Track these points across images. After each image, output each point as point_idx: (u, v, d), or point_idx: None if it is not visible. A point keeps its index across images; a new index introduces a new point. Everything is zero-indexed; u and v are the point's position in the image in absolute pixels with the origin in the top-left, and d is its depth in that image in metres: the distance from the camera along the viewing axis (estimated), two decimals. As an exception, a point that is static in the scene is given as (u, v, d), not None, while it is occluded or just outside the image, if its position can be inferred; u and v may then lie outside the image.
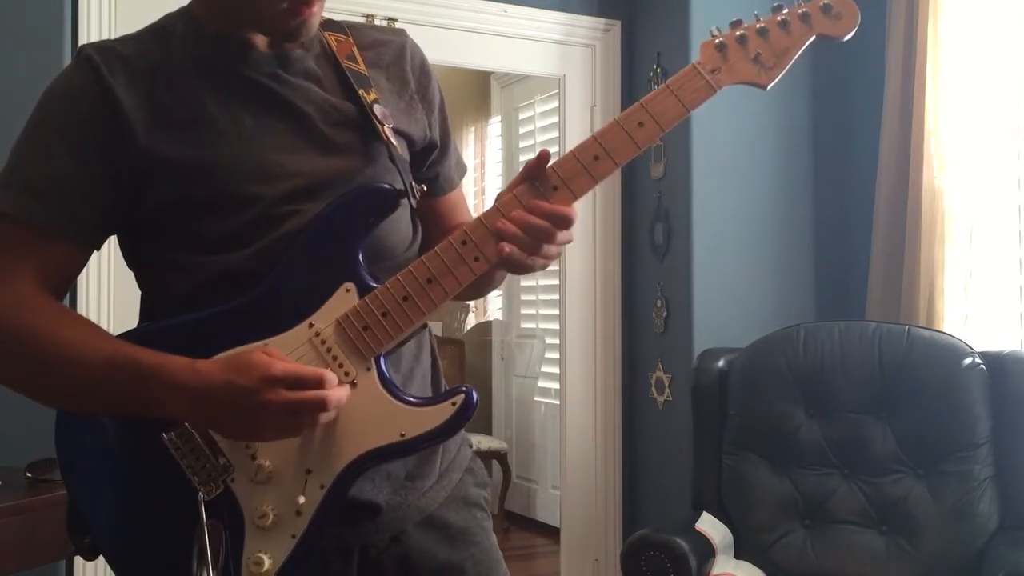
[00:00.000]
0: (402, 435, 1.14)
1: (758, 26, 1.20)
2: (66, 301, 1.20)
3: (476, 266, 1.15)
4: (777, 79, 1.20)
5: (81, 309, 2.70)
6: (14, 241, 1.16)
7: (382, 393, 1.15)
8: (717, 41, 1.19)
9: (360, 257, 1.17)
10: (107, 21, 2.78)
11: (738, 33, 1.19)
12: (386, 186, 1.20)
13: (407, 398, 1.16)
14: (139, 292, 1.27)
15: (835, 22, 1.21)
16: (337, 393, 1.09)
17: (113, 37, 1.26)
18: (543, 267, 1.18)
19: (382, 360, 1.16)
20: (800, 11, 1.20)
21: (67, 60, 2.70)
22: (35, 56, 2.66)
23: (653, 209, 3.45)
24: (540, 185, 1.16)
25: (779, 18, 1.20)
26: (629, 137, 1.16)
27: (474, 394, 1.15)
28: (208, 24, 1.20)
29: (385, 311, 1.14)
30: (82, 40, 2.72)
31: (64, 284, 1.20)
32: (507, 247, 1.13)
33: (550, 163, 1.17)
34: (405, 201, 1.24)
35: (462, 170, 1.44)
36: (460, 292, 1.18)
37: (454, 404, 1.14)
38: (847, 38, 1.21)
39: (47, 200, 1.14)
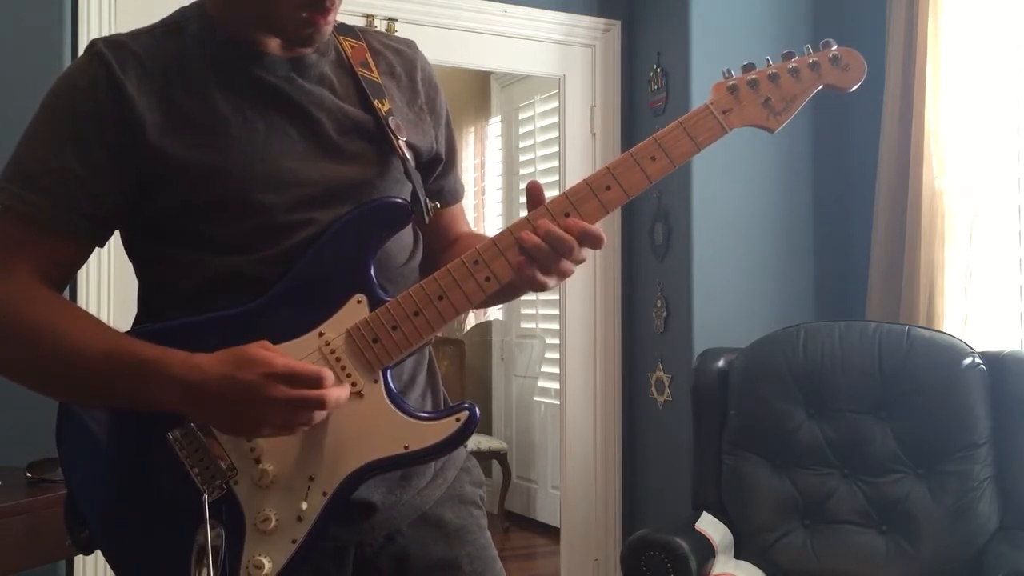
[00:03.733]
0: (406, 448, 1.16)
1: (769, 72, 1.23)
2: (65, 296, 1.21)
3: (487, 285, 1.17)
4: (785, 123, 1.25)
5: (81, 306, 2.69)
6: (16, 234, 1.16)
7: (388, 405, 1.16)
8: (729, 84, 1.23)
9: (372, 270, 1.18)
10: (107, 21, 2.78)
11: (750, 77, 1.23)
12: (401, 201, 1.22)
13: (412, 411, 1.18)
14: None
15: (843, 73, 1.24)
16: (335, 392, 1.10)
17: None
18: (554, 285, 1.17)
19: (389, 373, 1.18)
20: (810, 60, 1.24)
21: (67, 60, 2.70)
22: (35, 56, 2.66)
23: (653, 209, 3.45)
24: (550, 210, 1.16)
25: (790, 65, 1.24)
26: (641, 170, 1.18)
27: (476, 411, 1.17)
28: (222, 25, 1.20)
29: (395, 324, 1.16)
30: (82, 39, 2.72)
31: (65, 278, 1.20)
32: (520, 259, 1.13)
33: (563, 189, 1.18)
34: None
35: (462, 185, 1.46)
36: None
37: (458, 420, 1.17)
38: (853, 89, 1.25)
39: (50, 195, 1.14)
